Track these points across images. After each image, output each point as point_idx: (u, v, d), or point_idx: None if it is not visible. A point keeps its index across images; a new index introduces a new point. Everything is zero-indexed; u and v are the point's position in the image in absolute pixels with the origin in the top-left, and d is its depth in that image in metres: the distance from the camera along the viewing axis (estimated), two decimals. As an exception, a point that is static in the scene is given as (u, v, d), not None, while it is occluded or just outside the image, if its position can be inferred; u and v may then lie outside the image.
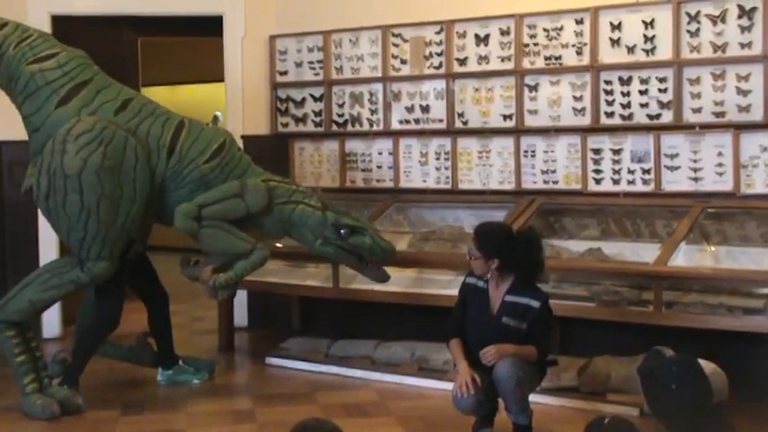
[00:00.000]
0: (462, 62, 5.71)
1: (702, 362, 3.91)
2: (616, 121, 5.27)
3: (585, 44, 5.31)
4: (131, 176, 4.45)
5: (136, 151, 4.48)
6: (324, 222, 4.81)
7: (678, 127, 5.09)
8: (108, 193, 4.37)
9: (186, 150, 4.66)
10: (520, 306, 3.89)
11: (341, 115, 6.15)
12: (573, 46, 5.36)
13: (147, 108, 4.73)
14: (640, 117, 5.20)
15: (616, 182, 5.28)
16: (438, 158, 5.83)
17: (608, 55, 5.26)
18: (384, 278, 5.01)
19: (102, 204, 4.38)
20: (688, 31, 5.04)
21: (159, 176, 4.62)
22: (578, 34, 5.33)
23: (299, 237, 4.91)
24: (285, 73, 6.34)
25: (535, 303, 3.90)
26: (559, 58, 5.40)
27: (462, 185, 5.74)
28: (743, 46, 4.92)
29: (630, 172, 5.23)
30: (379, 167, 6.03)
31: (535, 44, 5.46)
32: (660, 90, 5.13)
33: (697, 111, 5.05)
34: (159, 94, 7.81)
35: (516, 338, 3.86)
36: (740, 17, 4.92)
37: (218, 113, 7.05)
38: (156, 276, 5.16)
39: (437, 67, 5.78)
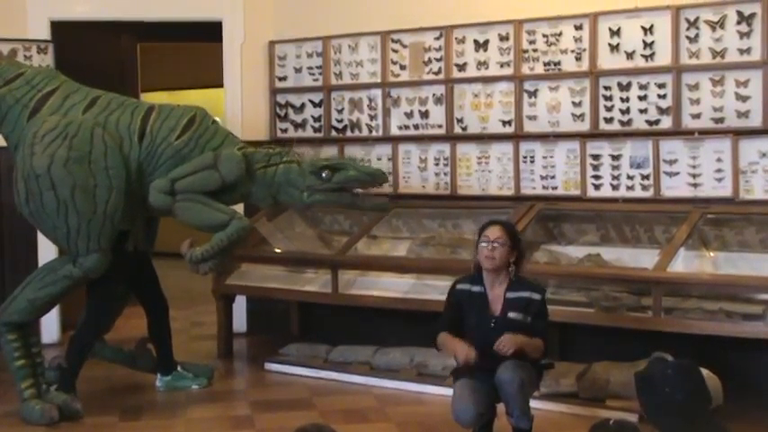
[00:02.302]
0: (461, 68, 5.71)
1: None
2: (615, 126, 5.27)
3: (585, 50, 5.31)
4: (102, 164, 4.45)
5: (104, 139, 4.49)
6: (303, 172, 4.80)
7: (677, 133, 5.10)
8: (81, 184, 4.38)
9: (157, 130, 4.67)
10: (522, 300, 3.91)
11: (340, 121, 6.15)
12: (572, 52, 5.36)
13: (116, 101, 4.77)
14: (639, 123, 5.21)
15: (615, 187, 5.28)
16: (437, 164, 5.83)
17: (607, 61, 5.27)
18: (384, 206, 5.01)
19: (77, 196, 4.38)
20: (687, 37, 5.05)
21: (134, 161, 4.62)
22: (577, 40, 5.34)
23: (288, 198, 4.88)
24: (284, 78, 6.35)
25: (536, 296, 3.93)
26: (558, 63, 5.41)
27: (461, 191, 5.74)
28: (742, 52, 4.93)
29: (629, 178, 5.23)
30: (379, 173, 6.02)
31: (534, 50, 5.47)
32: (659, 96, 5.13)
33: (696, 116, 5.05)
34: (158, 100, 7.77)
35: (522, 333, 3.86)
36: (739, 23, 4.92)
37: (218, 119, 7.05)
38: (158, 282, 5.15)
39: (436, 73, 5.78)
